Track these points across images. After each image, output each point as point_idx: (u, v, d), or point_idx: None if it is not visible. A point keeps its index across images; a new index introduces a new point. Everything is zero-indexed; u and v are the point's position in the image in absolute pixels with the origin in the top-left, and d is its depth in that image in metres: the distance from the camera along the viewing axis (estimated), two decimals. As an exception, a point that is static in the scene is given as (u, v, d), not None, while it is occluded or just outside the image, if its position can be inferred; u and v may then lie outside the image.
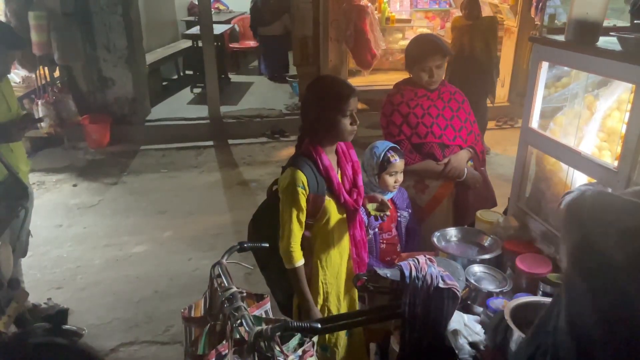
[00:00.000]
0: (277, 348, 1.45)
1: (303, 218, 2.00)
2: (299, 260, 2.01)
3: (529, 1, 6.17)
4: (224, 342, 1.50)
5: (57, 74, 5.77)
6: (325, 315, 2.12)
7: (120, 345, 3.04)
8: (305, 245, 2.06)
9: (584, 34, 1.88)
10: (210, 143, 6.30)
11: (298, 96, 7.24)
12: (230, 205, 4.82)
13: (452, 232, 2.31)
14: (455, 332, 1.67)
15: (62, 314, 3.09)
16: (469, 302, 1.90)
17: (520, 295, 1.79)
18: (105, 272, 3.75)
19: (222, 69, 7.62)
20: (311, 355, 1.57)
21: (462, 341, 1.65)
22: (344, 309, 2.21)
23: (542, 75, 2.15)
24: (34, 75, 5.30)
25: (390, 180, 2.37)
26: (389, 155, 2.35)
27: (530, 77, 2.20)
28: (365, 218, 2.29)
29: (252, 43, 9.31)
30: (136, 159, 5.87)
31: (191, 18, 8.97)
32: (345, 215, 2.11)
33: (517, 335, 1.51)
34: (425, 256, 1.77)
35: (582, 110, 2.09)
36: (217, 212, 4.65)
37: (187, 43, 8.25)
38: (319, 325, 1.51)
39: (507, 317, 1.57)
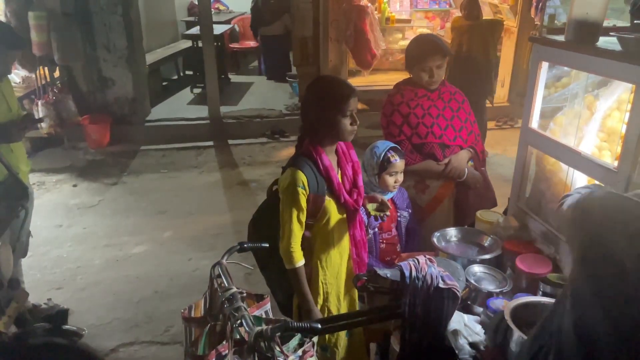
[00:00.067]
0: (277, 348, 1.45)
1: (303, 218, 2.00)
2: (300, 261, 2.01)
3: (529, 1, 6.17)
4: (224, 342, 1.50)
5: (57, 74, 5.77)
6: (325, 315, 2.12)
7: (120, 346, 3.04)
8: (305, 245, 2.06)
9: (584, 34, 1.88)
10: (210, 143, 6.29)
11: (298, 96, 7.24)
12: (230, 206, 4.82)
13: (452, 232, 2.31)
14: (456, 332, 1.67)
15: (62, 314, 3.09)
16: (469, 302, 1.90)
17: (521, 296, 1.79)
18: (105, 272, 3.75)
19: (222, 69, 7.62)
20: (311, 356, 1.57)
21: (462, 341, 1.65)
22: (344, 309, 2.21)
23: (542, 75, 2.15)
24: (34, 76, 5.30)
25: (390, 180, 2.37)
26: (389, 155, 2.35)
27: (530, 77, 2.20)
28: (365, 218, 2.29)
29: (252, 43, 9.31)
30: (136, 159, 5.87)
31: (191, 18, 8.96)
32: (345, 216, 2.11)
33: (517, 335, 1.51)
34: (425, 256, 1.77)
35: (582, 110, 2.09)
36: (217, 212, 4.65)
37: (187, 43, 8.24)
38: (319, 326, 1.51)
39: (507, 317, 1.57)
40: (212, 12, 7.04)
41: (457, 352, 1.64)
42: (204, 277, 2.02)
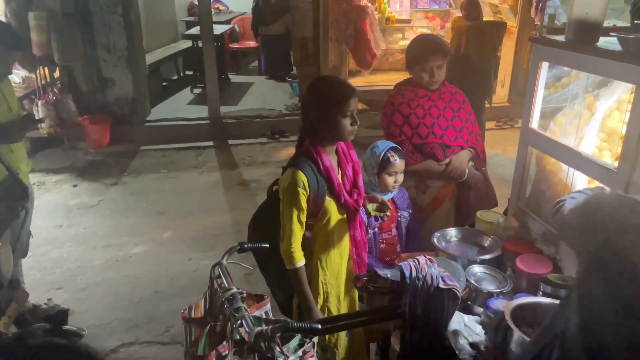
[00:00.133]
0: (278, 349, 1.45)
1: (304, 218, 2.00)
2: (300, 261, 2.01)
3: (529, 1, 6.17)
4: (224, 342, 1.50)
5: (57, 74, 5.77)
6: (326, 315, 2.12)
7: (120, 346, 3.04)
8: (306, 245, 2.06)
9: (584, 34, 1.88)
10: (210, 143, 6.29)
11: (298, 96, 7.24)
12: (230, 206, 4.82)
13: (452, 233, 2.31)
14: (456, 333, 1.67)
15: (62, 315, 3.08)
16: (469, 302, 1.89)
17: (521, 296, 1.78)
18: (105, 273, 3.75)
19: (222, 69, 7.62)
20: (312, 356, 1.57)
21: (463, 342, 1.65)
22: (344, 310, 2.21)
23: (542, 75, 2.15)
24: (34, 76, 5.30)
25: (389, 180, 2.36)
26: (388, 155, 2.35)
27: (530, 77, 2.20)
28: (365, 218, 2.29)
29: (252, 43, 9.32)
30: (136, 159, 5.87)
31: (191, 18, 8.97)
32: (345, 216, 2.11)
33: (517, 335, 1.51)
34: (425, 257, 1.77)
35: (582, 111, 2.09)
36: (217, 213, 4.65)
37: (187, 43, 8.24)
38: (320, 326, 1.51)
39: (507, 317, 1.57)
40: (212, 12, 7.04)
41: (457, 352, 1.64)
42: (204, 277, 2.01)
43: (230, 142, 6.34)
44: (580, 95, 2.12)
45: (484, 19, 5.56)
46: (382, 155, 2.35)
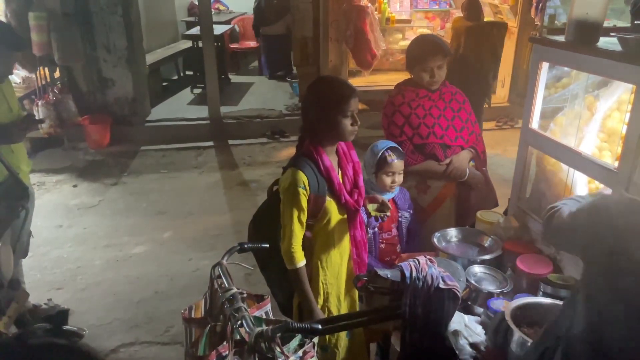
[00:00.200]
0: (278, 349, 1.45)
1: (304, 219, 2.00)
2: (301, 261, 2.01)
3: (529, 1, 6.17)
4: (225, 343, 1.50)
5: (57, 74, 5.77)
6: (326, 315, 2.12)
7: (120, 346, 3.04)
8: (306, 245, 2.06)
9: (584, 35, 1.88)
10: (211, 143, 6.29)
11: (298, 96, 7.24)
12: (231, 206, 4.82)
13: (452, 233, 2.31)
14: (456, 333, 1.67)
15: (62, 315, 3.09)
16: (469, 302, 1.90)
17: (521, 296, 1.79)
18: (105, 273, 3.75)
19: (222, 70, 7.62)
20: (312, 356, 1.57)
21: (463, 342, 1.65)
22: (344, 310, 2.21)
23: (542, 75, 2.15)
24: (34, 76, 5.30)
25: (387, 180, 2.36)
26: (386, 154, 2.34)
27: (530, 78, 2.21)
28: (365, 218, 2.29)
29: (252, 43, 9.31)
30: (136, 160, 5.87)
31: (191, 18, 8.97)
32: (345, 216, 2.11)
33: (517, 336, 1.51)
34: (425, 257, 1.77)
35: (582, 111, 2.09)
36: (217, 213, 4.65)
37: (187, 43, 8.24)
38: (320, 326, 1.51)
39: (507, 317, 1.57)
40: (212, 12, 7.04)
41: (457, 352, 1.64)
42: (204, 277, 2.01)
43: (231, 142, 6.34)
44: (580, 96, 2.12)
45: (484, 19, 5.55)
46: (379, 154, 2.35)
